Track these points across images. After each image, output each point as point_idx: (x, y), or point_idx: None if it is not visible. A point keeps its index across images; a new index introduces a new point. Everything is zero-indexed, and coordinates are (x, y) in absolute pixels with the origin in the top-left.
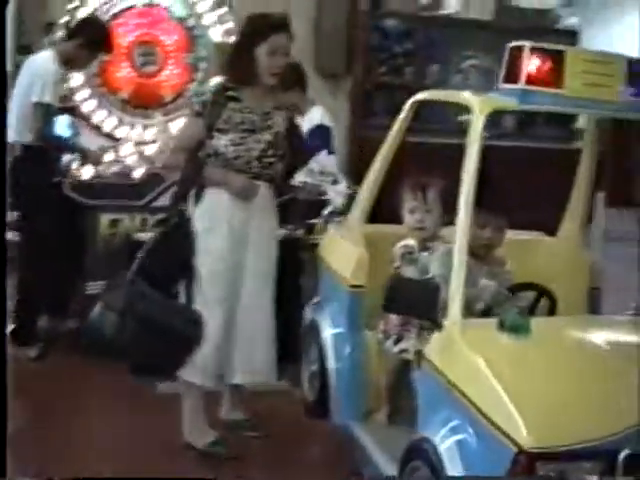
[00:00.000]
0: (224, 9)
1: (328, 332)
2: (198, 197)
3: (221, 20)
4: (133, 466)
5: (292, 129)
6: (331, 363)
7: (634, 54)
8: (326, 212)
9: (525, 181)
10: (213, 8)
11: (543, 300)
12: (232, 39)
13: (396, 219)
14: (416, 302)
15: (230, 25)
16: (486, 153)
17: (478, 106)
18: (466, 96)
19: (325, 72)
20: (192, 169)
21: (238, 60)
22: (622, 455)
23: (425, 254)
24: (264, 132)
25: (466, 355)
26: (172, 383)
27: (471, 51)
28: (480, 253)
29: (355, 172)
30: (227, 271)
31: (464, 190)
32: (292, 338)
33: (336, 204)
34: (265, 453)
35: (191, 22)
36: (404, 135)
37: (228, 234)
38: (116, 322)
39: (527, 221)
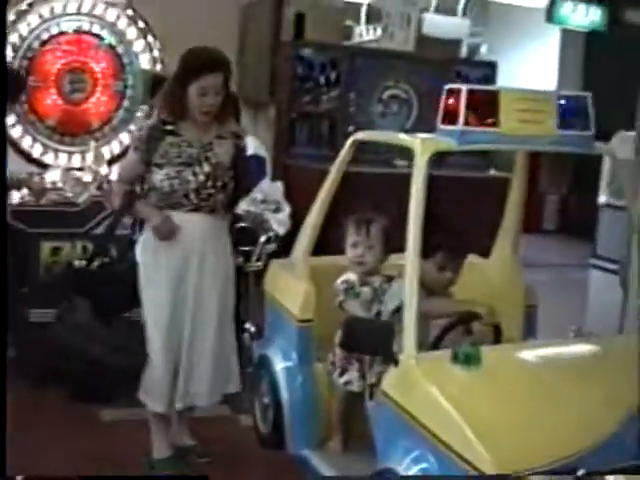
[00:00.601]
0: (152, 37)
1: (279, 365)
2: (140, 229)
3: (149, 47)
4: None
5: (238, 157)
6: (284, 395)
7: (552, 82)
8: (262, 240)
9: (447, 208)
10: (141, 35)
11: (488, 328)
12: (159, 67)
13: (341, 251)
14: (372, 341)
15: (156, 53)
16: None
17: (419, 148)
18: (407, 139)
19: (248, 101)
20: (125, 203)
21: (172, 96)
22: (579, 474)
23: (366, 289)
24: (203, 164)
25: (423, 387)
26: (116, 410)
27: (392, 81)
28: (436, 291)
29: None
30: (169, 304)
31: (412, 228)
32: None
33: (279, 232)
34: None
35: (120, 49)
36: (344, 172)
37: (169, 267)
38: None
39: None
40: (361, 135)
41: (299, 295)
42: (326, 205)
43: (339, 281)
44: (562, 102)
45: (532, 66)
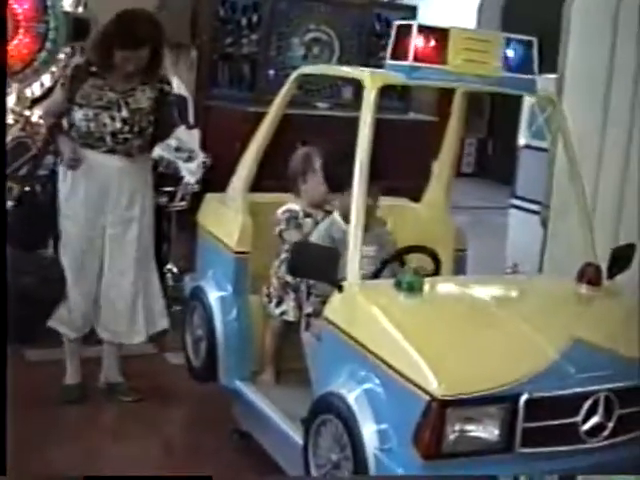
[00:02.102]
0: None
1: (214, 297)
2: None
3: None
4: None
5: (161, 101)
6: (217, 326)
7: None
8: (185, 181)
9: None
10: None
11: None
12: (81, 9)
13: (278, 188)
14: (318, 266)
15: None
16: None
17: (369, 81)
18: (356, 72)
19: (170, 43)
20: (50, 135)
21: (99, 49)
22: (522, 399)
23: (308, 220)
24: (122, 109)
25: (367, 311)
26: (40, 351)
27: (313, 24)
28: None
29: (201, 142)
30: (85, 232)
31: (358, 160)
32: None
33: (189, 181)
34: (143, 415)
35: None
36: (286, 107)
37: (85, 202)
38: None
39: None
40: (307, 69)
41: (236, 227)
42: (266, 140)
43: (281, 210)
44: (509, 44)
45: (452, 11)
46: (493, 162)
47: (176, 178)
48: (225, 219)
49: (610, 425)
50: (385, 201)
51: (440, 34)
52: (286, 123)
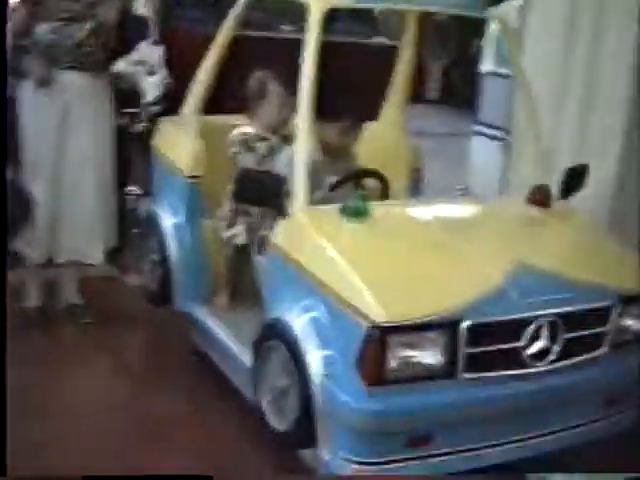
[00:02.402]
0: None
1: (168, 221)
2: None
3: None
4: None
5: (124, 17)
6: (172, 251)
7: None
8: (144, 101)
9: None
10: None
11: (376, 184)
12: None
13: (233, 110)
14: (264, 192)
15: None
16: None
17: (314, 4)
18: None
19: None
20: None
21: None
22: (464, 325)
23: (262, 144)
24: (86, 21)
25: (313, 238)
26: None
27: None
28: (333, 153)
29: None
30: (47, 154)
31: (304, 84)
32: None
33: (150, 95)
34: (101, 338)
35: None
36: (236, 29)
37: (47, 119)
38: None
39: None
40: None
41: (189, 152)
42: (218, 63)
43: (236, 132)
44: None
45: None
46: (460, 89)
47: (137, 97)
48: (178, 143)
49: (556, 349)
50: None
51: None
52: (249, 46)
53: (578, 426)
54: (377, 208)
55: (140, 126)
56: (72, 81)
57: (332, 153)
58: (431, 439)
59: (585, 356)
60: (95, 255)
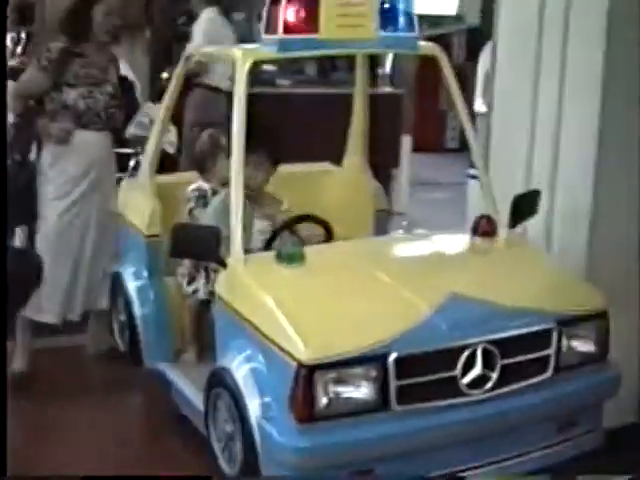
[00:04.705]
0: None
1: (130, 281)
2: (40, 147)
3: None
4: None
5: (122, 80)
6: (137, 311)
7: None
8: (131, 164)
9: (323, 122)
10: None
11: (320, 229)
12: None
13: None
14: (199, 246)
15: None
16: (285, 99)
17: (240, 58)
18: (230, 50)
19: (124, 24)
20: (27, 121)
21: (75, 19)
22: (392, 358)
23: (216, 198)
24: (105, 84)
25: (249, 287)
26: None
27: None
28: (251, 195)
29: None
30: (68, 217)
31: (235, 135)
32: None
33: (170, 151)
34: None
35: None
36: (181, 87)
37: (70, 181)
38: None
39: (323, 158)
40: (193, 51)
41: (146, 211)
42: (165, 123)
43: (191, 188)
44: (383, 5)
45: None
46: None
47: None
48: (136, 203)
49: (493, 376)
50: (310, 167)
51: (309, 4)
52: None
53: (532, 452)
54: (314, 251)
55: None
56: (96, 141)
57: (254, 197)
58: (373, 471)
59: (527, 381)
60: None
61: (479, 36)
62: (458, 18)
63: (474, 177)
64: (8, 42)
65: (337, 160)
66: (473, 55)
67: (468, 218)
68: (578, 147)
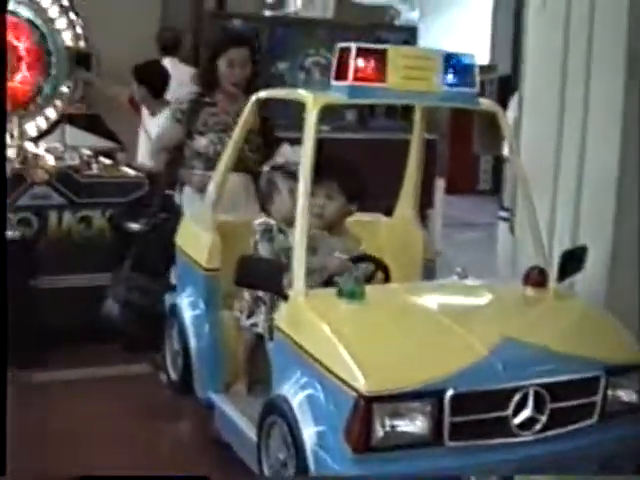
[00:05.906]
0: (74, 15)
1: (187, 313)
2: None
3: (72, 25)
4: None
5: (264, 123)
6: (191, 342)
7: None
8: None
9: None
10: (64, 13)
11: (379, 272)
12: (82, 44)
13: None
14: (263, 277)
15: (79, 30)
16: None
17: (311, 102)
18: (302, 93)
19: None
20: (168, 169)
21: (204, 70)
22: (448, 394)
23: (281, 236)
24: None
25: (310, 319)
26: (45, 373)
27: (313, 48)
28: (332, 228)
29: None
30: None
31: (302, 176)
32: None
33: None
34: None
35: (43, 27)
36: (248, 130)
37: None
38: (119, 312)
39: (371, 206)
40: (263, 94)
41: (206, 246)
42: (230, 163)
43: (258, 221)
44: (448, 60)
45: (462, 32)
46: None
47: None
48: (196, 239)
49: (542, 419)
50: (362, 217)
51: (378, 54)
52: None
53: None
54: (374, 290)
55: None
56: (235, 182)
57: (336, 231)
58: None
59: (573, 426)
60: None
61: (511, 84)
62: (490, 67)
63: (505, 219)
64: (65, 89)
65: (376, 201)
66: (504, 103)
67: (498, 257)
68: (597, 191)
